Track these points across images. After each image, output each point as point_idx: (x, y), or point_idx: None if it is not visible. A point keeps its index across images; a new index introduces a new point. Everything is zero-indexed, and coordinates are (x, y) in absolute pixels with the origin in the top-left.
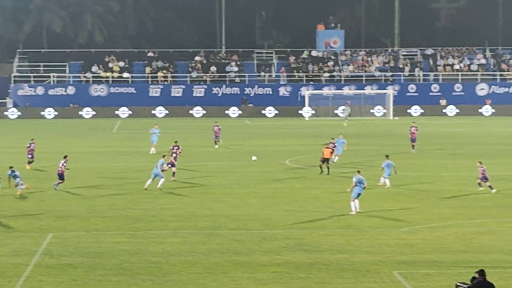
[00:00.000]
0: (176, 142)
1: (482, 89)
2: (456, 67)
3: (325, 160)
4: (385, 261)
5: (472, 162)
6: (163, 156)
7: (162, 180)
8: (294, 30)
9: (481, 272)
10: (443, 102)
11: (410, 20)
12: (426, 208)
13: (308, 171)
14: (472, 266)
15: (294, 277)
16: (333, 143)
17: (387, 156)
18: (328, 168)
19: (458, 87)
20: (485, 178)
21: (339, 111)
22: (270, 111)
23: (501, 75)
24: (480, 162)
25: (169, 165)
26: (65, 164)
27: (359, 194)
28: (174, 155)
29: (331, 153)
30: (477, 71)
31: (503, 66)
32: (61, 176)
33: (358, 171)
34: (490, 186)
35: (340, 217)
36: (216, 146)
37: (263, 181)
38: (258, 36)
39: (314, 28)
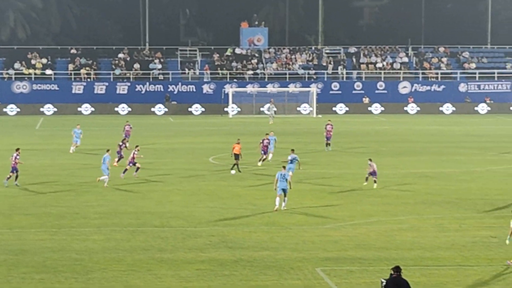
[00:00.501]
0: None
1: (404, 88)
2: (379, 65)
3: (236, 156)
4: (308, 258)
5: (396, 160)
6: (108, 151)
7: (106, 177)
8: (218, 27)
9: (396, 269)
10: (366, 100)
11: (334, 18)
12: (349, 205)
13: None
14: (394, 263)
15: (218, 274)
16: (268, 140)
17: (292, 150)
18: (236, 165)
19: (381, 85)
20: (374, 173)
21: (265, 108)
22: (196, 109)
23: (423, 73)
24: (370, 160)
25: (130, 164)
26: (18, 157)
27: (283, 189)
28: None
29: (240, 149)
30: (400, 69)
31: (425, 64)
32: (14, 169)
33: (284, 167)
34: (375, 181)
35: (264, 214)
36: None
37: (187, 178)
38: (182, 33)
39: (238, 25)
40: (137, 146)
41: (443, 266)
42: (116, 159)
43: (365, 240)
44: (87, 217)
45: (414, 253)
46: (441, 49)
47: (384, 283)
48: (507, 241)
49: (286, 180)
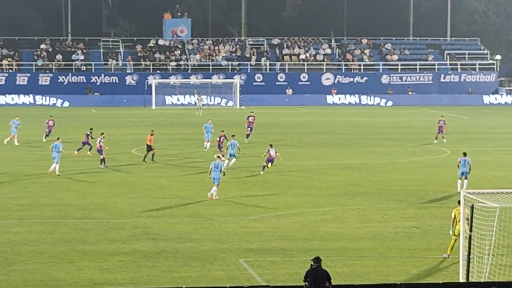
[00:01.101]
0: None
1: (327, 79)
2: (302, 57)
3: (148, 148)
4: (232, 249)
5: (319, 151)
6: (58, 139)
7: (57, 165)
8: (141, 18)
9: (316, 259)
10: (289, 91)
11: (257, 10)
12: (272, 197)
13: (155, 159)
14: (318, 254)
15: (141, 265)
16: (223, 136)
17: (233, 135)
18: (146, 156)
19: (304, 76)
20: (271, 161)
21: (194, 100)
22: (118, 100)
23: (346, 65)
24: (271, 145)
25: (100, 153)
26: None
27: (215, 179)
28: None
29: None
30: (323, 61)
31: (348, 56)
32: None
33: (218, 156)
34: (266, 166)
35: (187, 205)
36: (44, 140)
37: (110, 170)
38: (105, 24)
39: (161, 16)
40: (102, 134)
41: (366, 256)
42: (85, 148)
43: (289, 231)
44: (8, 209)
45: (337, 244)
46: (364, 40)
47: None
48: (450, 231)
49: (220, 170)
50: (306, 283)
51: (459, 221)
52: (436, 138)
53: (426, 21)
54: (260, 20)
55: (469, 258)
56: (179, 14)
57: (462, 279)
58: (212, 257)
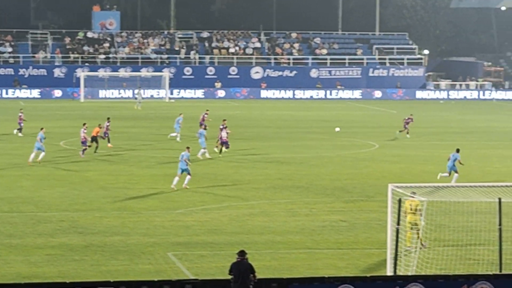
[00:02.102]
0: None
1: (257, 73)
2: (232, 50)
3: (93, 139)
4: (160, 242)
5: (247, 145)
6: (42, 129)
7: (43, 153)
8: (69, 11)
9: (241, 253)
10: (218, 85)
11: (186, 3)
12: (201, 190)
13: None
14: (246, 247)
15: (68, 259)
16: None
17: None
18: (89, 147)
19: (233, 70)
20: (225, 143)
21: (133, 94)
22: (46, 92)
23: (275, 59)
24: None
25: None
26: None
27: (182, 170)
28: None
29: (98, 132)
30: (252, 54)
31: (278, 50)
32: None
33: (188, 148)
34: (220, 149)
35: (115, 199)
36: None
37: (37, 163)
38: (33, 16)
39: (89, 9)
40: (84, 124)
41: (294, 250)
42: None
43: (217, 225)
44: None
45: (265, 238)
46: (293, 34)
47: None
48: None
49: (186, 161)
50: (232, 276)
51: (409, 212)
52: (407, 133)
53: (355, 15)
54: (190, 13)
55: (396, 252)
56: (108, 6)
57: (389, 272)
58: (140, 250)
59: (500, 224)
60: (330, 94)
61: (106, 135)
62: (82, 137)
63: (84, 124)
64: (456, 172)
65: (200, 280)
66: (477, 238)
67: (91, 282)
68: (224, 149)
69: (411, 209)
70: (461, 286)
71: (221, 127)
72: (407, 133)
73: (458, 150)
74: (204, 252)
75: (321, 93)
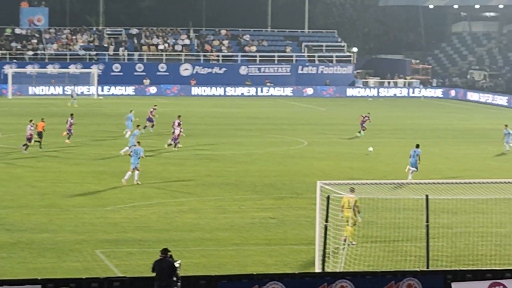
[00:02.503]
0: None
1: (186, 70)
2: (161, 47)
3: (39, 134)
4: (88, 240)
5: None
6: None
7: None
8: None
9: (163, 251)
10: (146, 81)
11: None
12: (130, 187)
13: (11, 150)
14: (175, 244)
15: None
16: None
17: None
18: (40, 142)
19: (162, 67)
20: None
21: (63, 90)
22: None
23: (204, 55)
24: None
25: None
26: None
27: (135, 165)
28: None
29: (43, 127)
30: (181, 51)
31: (207, 47)
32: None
33: (138, 142)
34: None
35: (43, 196)
36: None
37: None
38: None
39: (17, 5)
40: (31, 121)
41: (223, 247)
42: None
43: (146, 222)
44: None
45: (194, 235)
46: (222, 31)
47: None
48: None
49: (139, 155)
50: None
51: (347, 208)
52: (362, 131)
53: (284, 13)
54: (119, 9)
55: (324, 248)
56: (36, 2)
57: (318, 269)
58: (68, 248)
59: (427, 221)
60: (261, 91)
61: (70, 131)
62: (29, 134)
63: (31, 120)
64: (415, 168)
65: (128, 277)
66: (404, 235)
67: (19, 280)
68: (174, 145)
69: (348, 205)
70: (388, 282)
71: (177, 123)
72: (361, 131)
73: (418, 146)
74: (132, 249)
75: (252, 90)
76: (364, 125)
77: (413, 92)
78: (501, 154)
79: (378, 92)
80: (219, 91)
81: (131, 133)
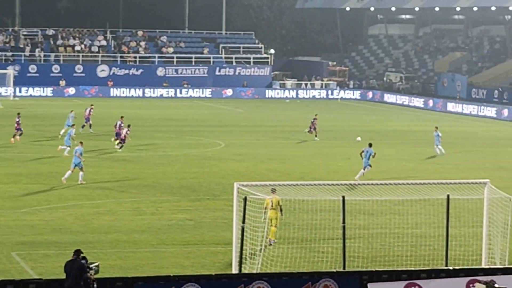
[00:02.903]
0: None
1: (102, 71)
2: (77, 48)
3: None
4: (4, 242)
5: (92, 144)
6: None
7: None
8: None
9: (75, 252)
10: (62, 83)
11: (31, 0)
12: (46, 189)
13: None
14: (91, 246)
15: None
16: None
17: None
18: None
19: (79, 68)
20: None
21: None
22: None
23: (121, 57)
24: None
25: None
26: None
27: (75, 165)
28: None
29: None
30: (98, 52)
31: (124, 48)
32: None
33: (81, 142)
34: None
35: None
36: None
37: None
38: None
39: None
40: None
41: (140, 249)
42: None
43: (62, 224)
44: None
45: (110, 237)
46: (139, 33)
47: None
48: (262, 219)
49: (81, 154)
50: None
51: (271, 209)
52: (316, 136)
53: (201, 14)
54: (35, 10)
55: (241, 250)
56: None
57: (235, 270)
58: None
59: (343, 222)
60: (180, 93)
61: (19, 130)
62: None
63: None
64: (369, 166)
65: (44, 279)
66: (321, 236)
67: None
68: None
69: (272, 206)
70: (305, 283)
71: (120, 123)
72: (315, 135)
73: (370, 145)
74: (48, 251)
75: (171, 92)
76: (314, 127)
77: (332, 94)
78: (418, 154)
79: (298, 94)
80: (138, 92)
81: (64, 132)
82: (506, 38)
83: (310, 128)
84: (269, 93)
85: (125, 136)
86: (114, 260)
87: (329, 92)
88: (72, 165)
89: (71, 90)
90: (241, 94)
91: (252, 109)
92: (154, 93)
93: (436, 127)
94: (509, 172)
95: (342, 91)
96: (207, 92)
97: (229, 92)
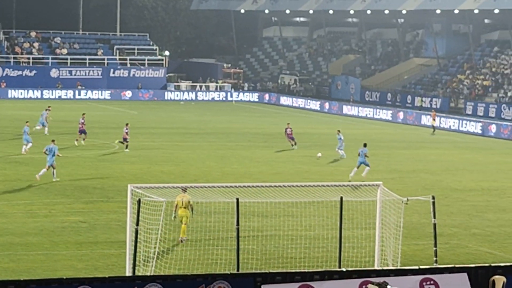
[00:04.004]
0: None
1: None
2: None
3: None
4: None
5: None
6: None
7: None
8: None
9: None
10: None
11: None
12: None
13: None
14: None
15: None
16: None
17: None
18: None
19: None
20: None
21: None
22: None
23: (14, 58)
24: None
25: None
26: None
27: (50, 162)
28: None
29: None
30: None
31: (17, 49)
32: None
33: (53, 140)
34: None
35: None
36: None
37: None
38: None
39: None
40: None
41: (32, 251)
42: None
43: None
44: None
45: (3, 239)
46: (33, 33)
47: None
48: (173, 217)
49: (54, 153)
50: None
51: (181, 207)
52: (293, 145)
53: (96, 15)
54: None
55: (135, 252)
56: None
57: (128, 272)
58: None
59: (237, 224)
60: (79, 94)
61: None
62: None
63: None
64: (367, 165)
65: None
66: (215, 238)
67: None
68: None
69: (183, 204)
70: (199, 286)
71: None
72: (294, 144)
73: (365, 145)
74: None
75: (70, 93)
76: (292, 137)
77: (225, 96)
78: (313, 157)
79: (197, 96)
80: (36, 93)
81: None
82: (399, 41)
83: (289, 137)
84: (169, 95)
85: (127, 135)
86: (6, 263)
87: (221, 94)
88: (48, 163)
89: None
90: (138, 95)
91: (147, 111)
92: (52, 94)
93: (339, 131)
94: (402, 174)
95: (241, 93)
96: (106, 94)
97: (128, 94)
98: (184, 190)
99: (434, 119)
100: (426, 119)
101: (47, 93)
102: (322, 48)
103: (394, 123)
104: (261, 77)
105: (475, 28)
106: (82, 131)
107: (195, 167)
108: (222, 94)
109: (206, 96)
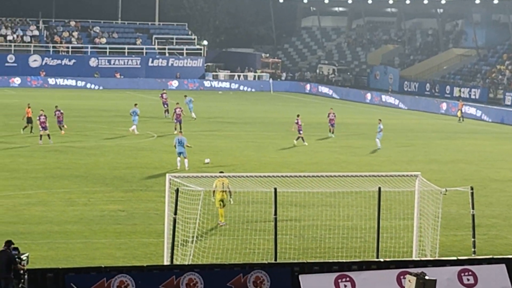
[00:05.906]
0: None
1: (35, 61)
2: (9, 38)
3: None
4: None
5: (26, 133)
6: None
7: None
8: None
9: (6, 243)
10: None
11: None
12: None
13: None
14: (22, 237)
15: None
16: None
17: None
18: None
19: (11, 58)
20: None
21: None
22: None
23: (54, 47)
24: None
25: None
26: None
27: (180, 152)
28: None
29: None
30: (30, 42)
31: (56, 38)
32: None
33: (180, 132)
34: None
35: None
36: None
37: None
38: None
39: None
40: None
41: (71, 240)
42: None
43: None
44: None
45: (42, 227)
46: (72, 23)
47: None
48: (213, 199)
49: (183, 144)
50: None
51: (219, 192)
52: (331, 131)
53: (134, 5)
54: None
55: (173, 241)
56: None
57: (166, 261)
58: None
59: (275, 214)
60: (109, 83)
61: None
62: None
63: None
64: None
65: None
66: (253, 228)
67: None
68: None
69: (222, 187)
70: (236, 275)
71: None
72: (300, 139)
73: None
74: None
75: (100, 82)
76: (333, 123)
77: (262, 86)
78: (355, 147)
79: (231, 85)
80: (71, 82)
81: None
82: (438, 31)
83: (299, 130)
84: (207, 83)
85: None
86: (45, 251)
87: (259, 84)
88: (182, 155)
89: (17, 80)
90: (173, 85)
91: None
92: (86, 83)
93: (380, 120)
94: (440, 164)
95: (278, 83)
96: (137, 83)
97: (155, 83)
98: (222, 172)
99: (460, 109)
100: (465, 110)
101: (81, 82)
102: (361, 38)
103: (432, 113)
104: (299, 67)
105: None
106: (179, 121)
107: (233, 157)
108: (255, 84)
109: (243, 85)
